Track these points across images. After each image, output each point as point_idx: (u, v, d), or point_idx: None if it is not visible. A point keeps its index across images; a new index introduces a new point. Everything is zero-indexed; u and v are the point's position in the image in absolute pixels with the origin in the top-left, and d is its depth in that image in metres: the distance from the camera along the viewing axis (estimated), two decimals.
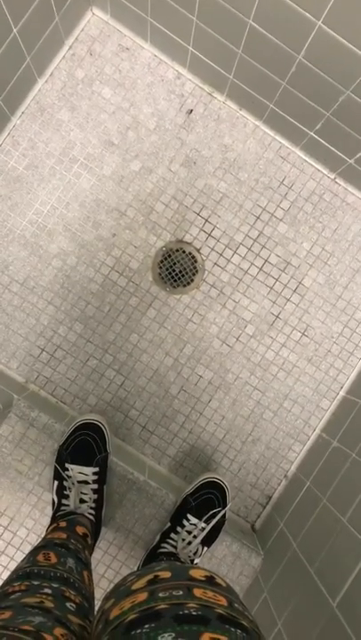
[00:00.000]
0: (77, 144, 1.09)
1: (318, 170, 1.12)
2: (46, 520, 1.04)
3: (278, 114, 1.03)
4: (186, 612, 0.40)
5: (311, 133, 1.02)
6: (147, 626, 0.39)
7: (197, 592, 0.44)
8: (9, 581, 0.65)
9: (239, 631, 0.39)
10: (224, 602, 0.44)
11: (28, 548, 1.06)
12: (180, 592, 0.44)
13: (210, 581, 0.48)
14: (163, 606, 0.41)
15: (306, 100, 0.93)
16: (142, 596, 0.44)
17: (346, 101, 0.86)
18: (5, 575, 1.06)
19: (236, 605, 0.45)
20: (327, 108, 0.91)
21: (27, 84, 1.05)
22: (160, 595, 0.44)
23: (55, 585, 0.65)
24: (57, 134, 1.09)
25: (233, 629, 0.39)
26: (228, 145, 1.11)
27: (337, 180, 1.12)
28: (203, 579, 0.48)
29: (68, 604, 0.62)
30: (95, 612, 0.56)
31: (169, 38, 1.02)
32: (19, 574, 0.68)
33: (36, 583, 0.65)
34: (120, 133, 1.10)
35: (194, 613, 0.40)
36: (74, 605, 0.62)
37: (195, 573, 0.49)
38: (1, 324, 1.08)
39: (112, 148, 1.10)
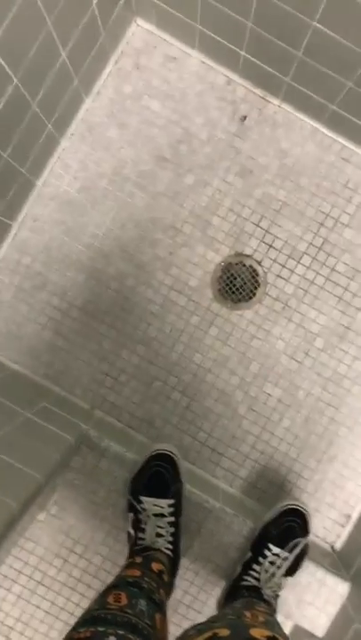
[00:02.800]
0: (129, 162, 1.06)
1: None
2: (120, 547, 1.02)
3: (340, 114, 0.97)
4: None
5: None
6: None
7: None
8: (76, 626, 0.63)
9: None
10: None
11: (103, 576, 1.05)
12: None
13: None
14: None
15: None
16: None
17: None
18: (83, 603, 1.06)
19: None
20: None
21: (74, 105, 1.02)
22: None
23: (121, 632, 0.62)
24: (107, 153, 1.06)
25: None
26: (286, 150, 1.05)
27: None
28: (263, 639, 0.44)
29: None
30: None
31: (218, 43, 0.97)
32: (85, 618, 0.66)
33: (101, 630, 0.62)
34: (172, 147, 1.06)
35: None
36: None
37: (256, 633, 0.45)
38: (63, 350, 1.07)
39: (164, 163, 1.06)
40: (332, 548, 1.06)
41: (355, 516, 1.05)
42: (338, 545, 1.05)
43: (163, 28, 1.03)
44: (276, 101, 1.04)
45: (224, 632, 0.46)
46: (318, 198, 1.06)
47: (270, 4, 0.77)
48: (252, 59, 0.96)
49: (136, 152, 1.06)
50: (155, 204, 1.06)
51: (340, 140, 1.04)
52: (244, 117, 1.05)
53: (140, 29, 1.05)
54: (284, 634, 0.48)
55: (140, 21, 1.04)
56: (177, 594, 1.04)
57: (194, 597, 1.04)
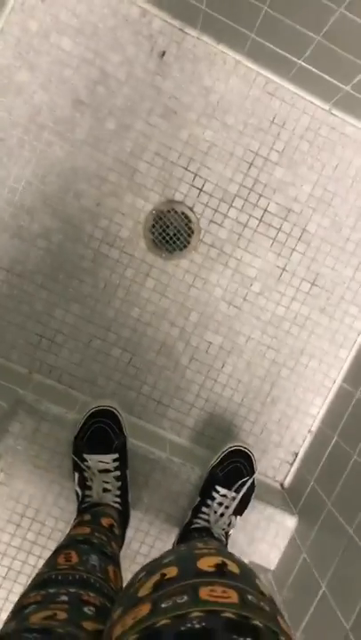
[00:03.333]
0: (44, 108, 0.98)
1: (311, 102, 1.01)
2: (73, 507, 1.02)
3: (261, 44, 0.92)
4: (188, 625, 0.37)
5: (300, 62, 0.91)
6: None
7: (204, 593, 0.40)
8: (27, 591, 0.63)
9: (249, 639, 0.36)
10: (235, 598, 0.40)
11: (58, 536, 1.05)
12: (185, 598, 0.40)
13: (221, 571, 0.44)
14: (164, 622, 0.38)
15: (292, 24, 0.82)
16: (145, 609, 0.41)
17: (338, 21, 0.75)
18: (40, 565, 1.06)
19: (249, 599, 0.40)
20: (317, 30, 0.80)
21: None
22: (163, 605, 0.40)
23: (73, 590, 0.62)
24: (19, 99, 0.98)
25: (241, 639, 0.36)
26: (210, 87, 1.00)
27: (333, 112, 1.02)
28: (212, 569, 0.44)
29: (85, 609, 0.59)
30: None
31: None
32: (36, 582, 0.65)
33: (52, 591, 0.62)
34: (88, 89, 0.99)
35: (197, 626, 0.37)
36: (93, 609, 0.59)
37: (203, 564, 0.45)
38: None
39: (82, 107, 0.99)
40: (282, 486, 1.08)
41: (301, 453, 1.08)
42: (287, 483, 1.08)
43: None
44: (194, 33, 0.98)
45: (172, 572, 0.45)
46: (246, 136, 1.02)
47: None
48: None
49: (50, 96, 0.98)
50: (76, 152, 1.00)
51: (264, 72, 1.00)
52: (163, 53, 0.99)
53: None
54: (235, 557, 0.47)
55: None
56: (134, 545, 1.05)
57: (150, 546, 1.05)
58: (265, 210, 1.04)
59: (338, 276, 1.06)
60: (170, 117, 1.01)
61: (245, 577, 0.44)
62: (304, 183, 1.03)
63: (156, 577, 0.45)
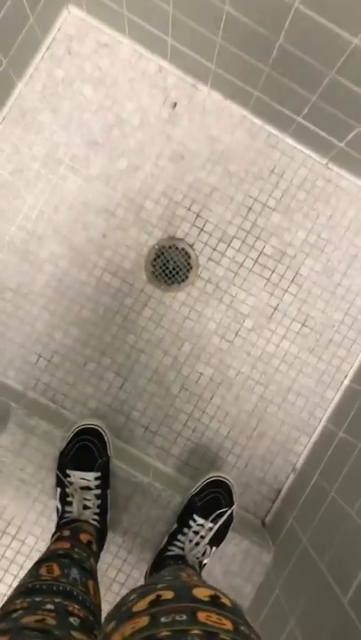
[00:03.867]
0: (62, 145, 1.07)
1: (309, 156, 1.09)
2: (53, 526, 1.03)
3: (264, 101, 1.01)
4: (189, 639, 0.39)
5: (299, 119, 1.00)
6: None
7: (202, 616, 0.43)
8: (11, 599, 0.64)
9: None
10: (229, 626, 0.42)
11: (37, 556, 1.05)
12: (184, 616, 0.42)
13: (214, 602, 0.46)
14: (165, 633, 0.40)
15: (290, 84, 0.90)
16: (144, 621, 0.43)
17: (331, 83, 0.83)
18: (16, 584, 1.06)
19: (242, 629, 0.43)
20: (312, 91, 0.88)
21: (6, 89, 1.03)
22: (162, 620, 0.42)
23: (58, 600, 0.64)
24: (40, 137, 1.07)
25: None
26: (216, 136, 1.09)
27: (329, 166, 1.09)
28: (207, 599, 0.46)
29: (71, 619, 0.60)
30: (101, 629, 0.54)
31: (147, 31, 1.00)
32: (20, 591, 0.67)
33: (37, 599, 0.63)
34: (104, 132, 1.08)
35: None
36: (77, 620, 0.61)
37: (198, 593, 0.47)
38: None
39: (97, 147, 1.08)
40: (263, 523, 1.08)
41: (284, 491, 1.09)
42: (268, 520, 1.08)
43: (94, 15, 1.05)
44: (205, 89, 1.08)
45: (168, 594, 0.47)
46: (247, 183, 1.09)
47: None
48: (180, 47, 0.99)
49: (69, 136, 1.07)
50: (88, 187, 1.08)
51: (267, 127, 1.08)
52: (175, 104, 1.08)
53: (72, 16, 1.07)
54: (226, 594, 0.50)
55: (71, 8, 1.06)
56: (111, 572, 1.05)
57: (127, 575, 1.05)
58: (261, 252, 1.09)
59: (328, 318, 1.10)
60: (177, 161, 1.09)
61: (237, 611, 0.47)
62: (299, 229, 1.10)
63: (151, 597, 0.47)
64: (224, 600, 0.47)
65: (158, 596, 0.47)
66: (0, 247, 1.07)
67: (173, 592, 0.47)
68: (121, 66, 1.08)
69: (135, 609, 0.46)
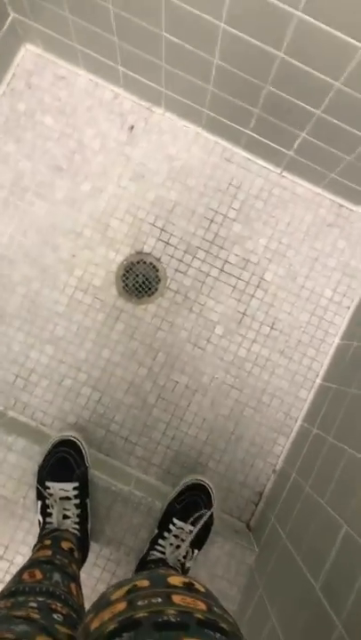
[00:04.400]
0: (27, 173, 1.13)
1: (264, 167, 1.14)
2: None
3: (215, 118, 1.06)
4: (165, 618, 0.41)
5: (248, 132, 1.05)
6: (126, 634, 0.40)
7: (176, 599, 0.45)
8: None
9: (218, 634, 0.40)
10: (203, 607, 0.44)
11: None
12: (159, 599, 0.44)
13: (189, 588, 0.48)
14: (142, 614, 0.42)
15: (234, 100, 0.96)
16: (121, 606, 0.45)
17: (269, 96, 0.89)
18: None
19: (215, 609, 0.45)
20: (254, 104, 0.94)
21: None
22: (139, 603, 0.44)
23: (41, 599, 0.65)
24: (6, 166, 1.12)
25: (212, 633, 0.40)
26: (173, 155, 1.14)
27: (284, 174, 1.14)
28: (181, 585, 0.48)
29: (54, 616, 0.62)
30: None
31: (99, 61, 1.06)
32: (4, 594, 0.68)
33: (21, 599, 0.65)
34: (67, 158, 1.13)
35: (173, 620, 0.41)
36: (61, 616, 0.63)
37: (173, 580, 0.49)
38: None
39: (61, 172, 1.13)
40: (248, 526, 1.10)
41: (266, 493, 1.10)
42: (253, 522, 1.10)
43: (50, 51, 1.12)
44: (160, 111, 1.14)
45: (143, 583, 0.49)
46: (207, 197, 1.14)
47: (129, 21, 0.87)
48: (131, 73, 1.05)
49: (33, 164, 1.13)
50: (54, 210, 1.13)
51: (221, 141, 1.14)
52: (132, 127, 1.14)
53: (29, 53, 1.13)
54: (201, 581, 0.52)
55: (28, 46, 1.13)
56: (100, 586, 1.05)
57: (112, 573, 1.05)
58: (225, 260, 1.14)
59: (295, 320, 1.13)
60: (138, 180, 1.14)
61: (211, 595, 0.49)
62: (260, 237, 1.14)
63: (127, 586, 0.49)
64: (198, 586, 0.49)
65: (135, 585, 0.49)
66: None
67: (149, 581, 0.49)
68: (79, 95, 1.14)
69: (113, 597, 0.48)
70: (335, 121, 0.86)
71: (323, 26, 0.67)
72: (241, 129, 1.05)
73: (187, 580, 0.50)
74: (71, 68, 1.13)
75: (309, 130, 0.93)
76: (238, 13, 0.73)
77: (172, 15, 0.80)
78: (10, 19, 1.04)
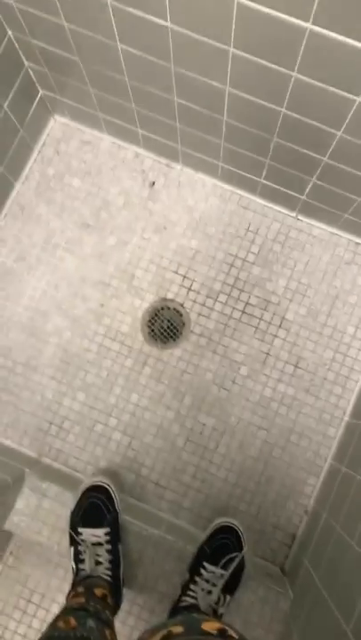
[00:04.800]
0: (57, 231, 1.21)
1: (280, 211, 1.19)
2: None
3: (229, 169, 1.13)
4: None
5: (262, 180, 1.10)
6: None
7: None
8: None
9: None
10: None
11: None
12: None
13: (222, 634, 0.49)
14: None
15: (245, 152, 1.02)
16: None
17: (277, 147, 0.94)
18: None
19: None
20: (265, 155, 0.99)
21: (5, 190, 1.19)
22: None
23: None
24: (38, 226, 1.21)
25: None
26: (192, 206, 1.21)
27: (299, 217, 1.18)
28: (215, 632, 0.49)
29: None
30: None
31: (120, 126, 1.15)
32: None
33: None
34: (93, 215, 1.21)
35: None
36: None
37: (207, 626, 0.50)
38: (10, 404, 1.16)
39: (89, 229, 1.21)
40: (282, 569, 1.07)
41: (299, 534, 1.08)
42: (287, 566, 1.07)
43: (76, 120, 1.22)
44: (178, 166, 1.21)
45: (178, 629, 0.50)
46: (226, 243, 1.19)
47: (144, 90, 0.95)
48: (149, 134, 1.13)
49: (63, 222, 1.21)
50: (83, 264, 1.20)
51: (237, 191, 1.19)
52: (153, 183, 1.22)
53: (57, 123, 1.24)
54: (235, 627, 0.52)
55: (57, 117, 1.23)
56: (135, 634, 1.04)
57: (146, 622, 1.04)
58: (246, 302, 1.17)
59: (319, 358, 1.14)
60: (160, 232, 1.20)
61: None
62: (280, 278, 1.17)
63: (162, 632, 0.50)
64: (231, 633, 0.50)
65: (169, 632, 0.50)
66: (10, 327, 1.18)
67: (183, 627, 0.50)
68: (103, 157, 1.23)
69: None
70: (341, 166, 0.90)
71: (319, 83, 0.72)
72: (255, 178, 1.10)
73: (221, 627, 0.50)
74: (95, 134, 1.23)
75: (318, 175, 0.97)
76: (240, 78, 0.79)
77: (182, 83, 0.88)
78: (39, 95, 1.15)
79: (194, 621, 0.51)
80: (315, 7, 0.59)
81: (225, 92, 0.85)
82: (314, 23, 0.62)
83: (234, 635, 0.50)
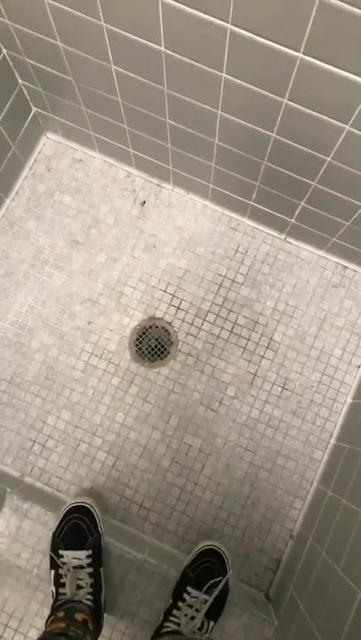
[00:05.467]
0: (46, 248, 1.20)
1: (269, 233, 1.20)
2: None
3: (219, 191, 1.14)
4: None
5: (252, 202, 1.11)
6: None
7: None
8: None
9: None
10: None
11: None
12: None
13: None
14: None
15: (236, 175, 1.03)
16: None
17: (267, 170, 0.95)
18: None
19: None
20: (255, 178, 1.01)
21: None
22: None
23: None
24: (27, 242, 1.20)
25: None
26: (182, 226, 1.21)
27: (288, 240, 1.20)
28: None
29: None
30: None
31: (112, 145, 1.16)
32: None
33: None
34: (83, 232, 1.21)
35: None
36: None
37: None
38: None
39: (78, 246, 1.21)
40: (267, 595, 1.06)
41: (284, 559, 1.07)
42: (272, 592, 1.06)
43: (68, 138, 1.23)
44: (169, 186, 1.22)
45: None
46: (215, 263, 1.20)
47: (137, 111, 0.96)
48: (141, 154, 1.14)
49: (52, 239, 1.21)
50: (71, 281, 1.19)
51: (226, 212, 1.20)
52: (144, 202, 1.22)
53: (50, 141, 1.24)
54: None
55: (49, 134, 1.24)
56: None
57: None
58: (234, 323, 1.17)
59: (306, 380, 1.14)
60: (150, 251, 1.20)
61: None
62: (268, 299, 1.18)
63: None
64: None
65: None
66: None
67: None
68: (94, 175, 1.23)
69: None
70: (330, 191, 0.92)
71: (309, 111, 0.74)
72: (245, 200, 1.12)
73: None
74: (87, 152, 1.23)
75: (308, 199, 0.99)
76: (232, 102, 0.81)
77: (174, 106, 0.89)
78: (32, 113, 1.16)
79: None
80: (306, 37, 0.61)
81: (217, 116, 0.86)
82: (305, 53, 0.63)
83: None
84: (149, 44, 0.76)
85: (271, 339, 1.16)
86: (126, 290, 1.19)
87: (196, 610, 0.89)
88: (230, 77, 0.75)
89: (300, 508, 1.09)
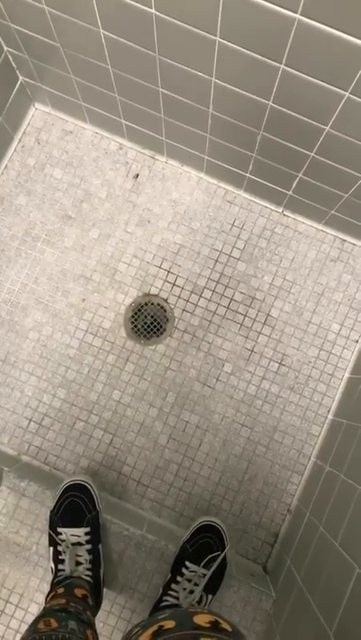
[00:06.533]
0: (38, 223, 1.17)
1: (265, 207, 1.17)
2: None
3: (215, 163, 1.10)
4: None
5: (248, 175, 1.08)
6: None
7: None
8: None
9: None
10: None
11: None
12: None
13: (215, 627, 0.47)
14: None
15: (231, 146, 1.00)
16: None
17: (263, 141, 0.92)
18: None
19: None
20: (251, 149, 0.97)
21: None
22: None
23: None
24: (18, 218, 1.17)
25: None
26: (177, 199, 1.18)
27: (285, 213, 1.17)
28: (208, 625, 0.48)
29: None
30: None
31: (103, 116, 1.12)
32: None
33: None
34: (75, 207, 1.18)
35: None
36: None
37: (199, 620, 0.49)
38: None
39: (70, 221, 1.18)
40: (265, 568, 1.07)
41: (281, 533, 1.08)
42: (269, 565, 1.07)
43: (58, 108, 1.18)
44: (163, 159, 1.18)
45: (169, 624, 0.48)
46: (211, 238, 1.17)
47: (128, 80, 0.92)
48: (134, 125, 1.10)
49: (43, 214, 1.18)
50: (64, 257, 1.17)
51: (223, 185, 1.17)
52: (137, 175, 1.19)
53: (38, 112, 1.20)
54: (226, 618, 0.51)
55: (37, 105, 1.19)
56: (116, 635, 1.03)
57: (127, 621, 1.03)
58: (231, 299, 1.15)
59: (303, 355, 1.13)
60: (144, 225, 1.18)
61: (237, 635, 0.48)
62: (265, 274, 1.16)
63: (153, 628, 0.49)
64: (224, 625, 0.49)
65: (160, 627, 0.48)
66: None
67: (175, 621, 0.48)
68: (85, 148, 1.19)
69: None
70: (329, 162, 0.89)
71: (307, 77, 0.70)
72: (241, 172, 1.08)
73: (213, 619, 0.49)
74: (78, 123, 1.19)
75: (305, 171, 0.96)
76: (227, 69, 0.77)
77: (166, 73, 0.85)
78: (19, 82, 1.11)
79: (185, 615, 0.50)
80: None
81: (211, 84, 0.82)
82: (303, 14, 0.60)
83: (227, 627, 0.48)
84: (139, 5, 0.72)
85: (268, 314, 1.15)
86: (120, 266, 1.17)
87: (195, 584, 0.90)
88: (224, 42, 0.71)
89: (298, 483, 1.10)
